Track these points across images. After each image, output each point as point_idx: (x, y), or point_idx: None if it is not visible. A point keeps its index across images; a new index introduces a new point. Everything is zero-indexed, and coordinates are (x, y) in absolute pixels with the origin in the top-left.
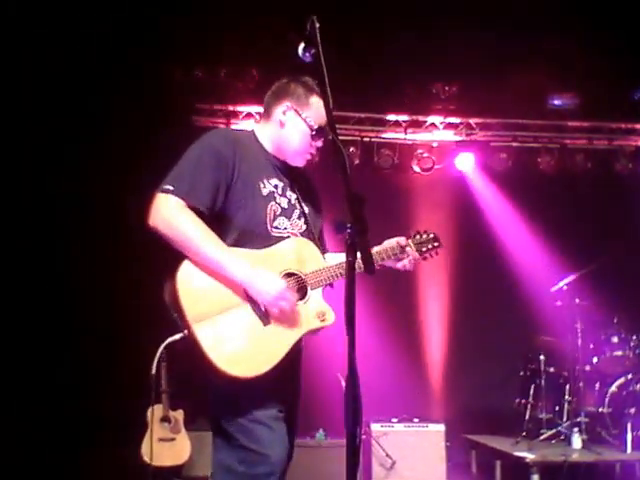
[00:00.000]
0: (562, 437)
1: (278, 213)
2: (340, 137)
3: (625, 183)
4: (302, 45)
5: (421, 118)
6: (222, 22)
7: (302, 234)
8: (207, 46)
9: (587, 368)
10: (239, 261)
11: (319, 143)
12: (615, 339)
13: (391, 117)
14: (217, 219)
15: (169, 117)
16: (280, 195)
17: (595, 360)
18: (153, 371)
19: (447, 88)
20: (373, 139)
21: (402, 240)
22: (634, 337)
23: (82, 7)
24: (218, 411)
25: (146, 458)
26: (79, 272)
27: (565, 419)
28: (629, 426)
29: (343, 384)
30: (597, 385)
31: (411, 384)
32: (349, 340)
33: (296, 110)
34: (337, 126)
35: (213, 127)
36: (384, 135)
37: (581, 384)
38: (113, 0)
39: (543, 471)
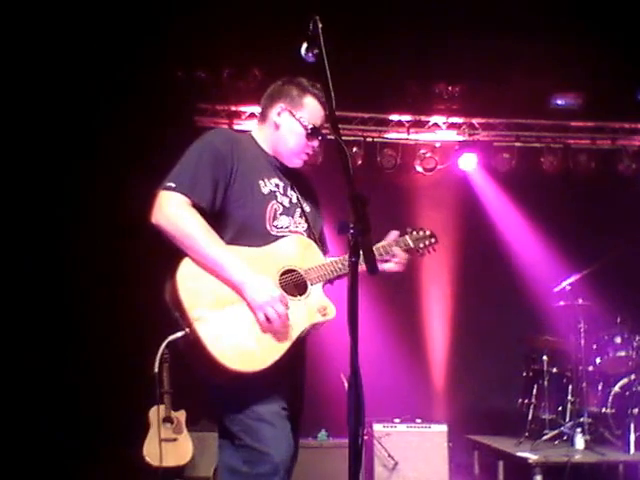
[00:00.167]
0: (565, 438)
1: (280, 212)
2: (343, 137)
3: (628, 183)
4: (305, 45)
5: (424, 118)
6: (225, 22)
7: (303, 233)
8: (210, 46)
9: (590, 368)
10: (237, 262)
11: (315, 143)
12: (618, 339)
13: (394, 117)
14: (216, 216)
15: (172, 117)
16: (282, 194)
17: (598, 360)
18: (155, 370)
19: (450, 88)
20: (376, 139)
21: (395, 234)
22: (637, 337)
23: (85, 7)
24: (221, 410)
25: (148, 459)
26: (82, 272)
27: (568, 419)
28: (632, 426)
29: (346, 384)
30: (600, 385)
31: (414, 384)
32: (352, 340)
33: (290, 111)
34: (340, 126)
35: (215, 127)
36: (387, 135)
37: (584, 384)
38: (116, 0)
39: (546, 472)
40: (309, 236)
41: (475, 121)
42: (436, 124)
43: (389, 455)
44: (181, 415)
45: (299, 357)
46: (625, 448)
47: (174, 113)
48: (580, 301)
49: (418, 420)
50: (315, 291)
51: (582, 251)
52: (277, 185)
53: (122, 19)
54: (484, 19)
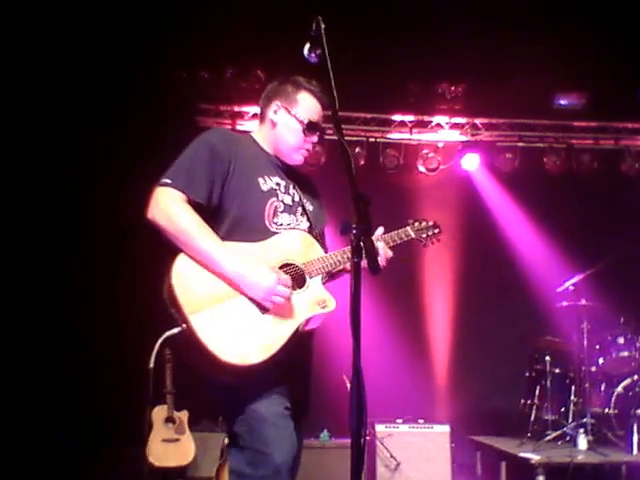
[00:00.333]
0: (568, 438)
1: (281, 210)
2: (346, 137)
3: (631, 183)
4: (307, 46)
5: (427, 118)
6: (227, 23)
7: (305, 230)
8: (212, 47)
9: (593, 369)
10: (230, 256)
11: (314, 138)
12: (621, 340)
13: (397, 117)
14: (214, 213)
15: (174, 118)
16: (283, 193)
17: (601, 361)
18: (151, 365)
19: (453, 88)
20: (379, 139)
21: (381, 229)
22: None
23: (88, 8)
24: (226, 412)
25: (151, 459)
26: (82, 272)
27: (571, 420)
28: (635, 427)
29: (348, 385)
30: (603, 386)
31: (416, 385)
32: (354, 341)
33: (286, 108)
34: (343, 126)
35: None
36: (390, 135)
37: (587, 385)
38: (120, 1)
39: (548, 472)
40: (309, 232)
41: (478, 121)
42: (439, 124)
43: (391, 456)
44: (183, 415)
45: (304, 356)
46: (628, 449)
47: (177, 113)
48: (583, 301)
49: (420, 420)
50: (314, 284)
51: (585, 251)
52: (278, 184)
53: (125, 20)
54: (487, 19)
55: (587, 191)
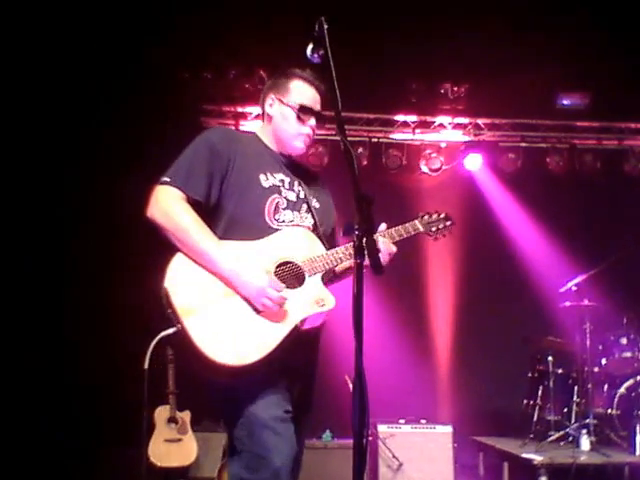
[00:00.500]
0: (570, 439)
1: (284, 206)
2: (348, 138)
3: (634, 183)
4: (310, 46)
5: (429, 118)
6: (230, 23)
7: (310, 228)
8: (215, 47)
9: (596, 369)
10: (225, 254)
11: (311, 122)
12: (624, 340)
13: (399, 117)
14: (213, 210)
15: (178, 118)
16: (287, 189)
17: (604, 361)
18: (145, 366)
19: (455, 88)
20: (381, 140)
21: (383, 226)
22: None
23: (91, 8)
24: (225, 416)
25: (153, 458)
26: (82, 272)
27: (573, 421)
28: (638, 428)
29: (350, 385)
30: (606, 387)
31: (418, 385)
32: (356, 341)
33: (279, 99)
34: (345, 127)
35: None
36: (392, 136)
37: (590, 386)
38: (123, 1)
39: (551, 473)
40: (314, 231)
41: (481, 121)
42: (441, 124)
43: (394, 456)
44: (186, 415)
45: (309, 356)
46: (631, 449)
47: (180, 114)
48: (586, 302)
49: (423, 421)
50: (313, 282)
51: (588, 251)
52: (282, 180)
53: (127, 20)
54: (489, 19)
55: (590, 191)
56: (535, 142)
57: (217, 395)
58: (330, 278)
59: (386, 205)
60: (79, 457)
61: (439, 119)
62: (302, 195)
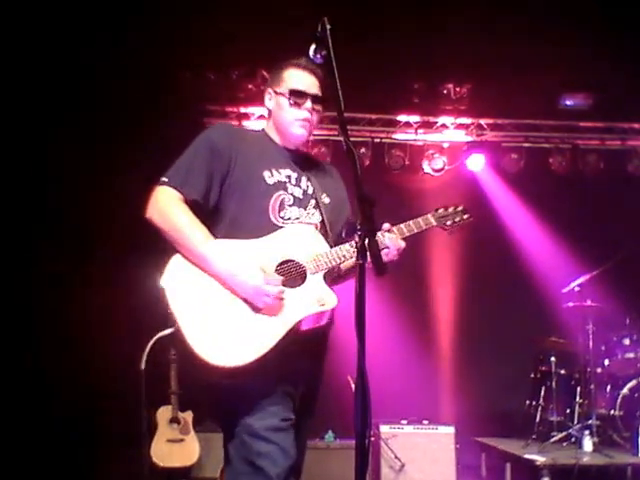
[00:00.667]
0: (573, 440)
1: (290, 203)
2: (351, 138)
3: (638, 183)
4: (313, 47)
5: (432, 119)
6: (233, 24)
7: (317, 224)
8: (218, 48)
9: (598, 370)
10: (222, 255)
11: (307, 104)
12: (627, 341)
13: (402, 118)
14: (214, 209)
15: (181, 119)
16: (294, 185)
17: (607, 362)
18: (142, 366)
19: (458, 89)
20: (384, 140)
21: (386, 226)
22: None
23: (94, 7)
24: (222, 424)
25: (155, 459)
26: (81, 269)
27: (576, 422)
28: None
29: (352, 386)
30: (608, 387)
31: (421, 386)
32: (359, 341)
33: (275, 91)
34: (348, 127)
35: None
36: (395, 136)
37: (592, 386)
38: (124, 2)
39: (554, 474)
40: (322, 228)
41: (483, 122)
42: (444, 125)
43: (396, 457)
44: (188, 416)
45: (312, 360)
46: (633, 450)
47: (183, 114)
48: (589, 302)
49: (425, 421)
50: (314, 281)
51: (591, 252)
52: (288, 176)
53: (130, 20)
54: (491, 19)
55: (593, 192)
56: (538, 142)
57: (215, 402)
58: (334, 278)
59: (389, 205)
60: (79, 457)
61: (441, 119)
62: (310, 191)
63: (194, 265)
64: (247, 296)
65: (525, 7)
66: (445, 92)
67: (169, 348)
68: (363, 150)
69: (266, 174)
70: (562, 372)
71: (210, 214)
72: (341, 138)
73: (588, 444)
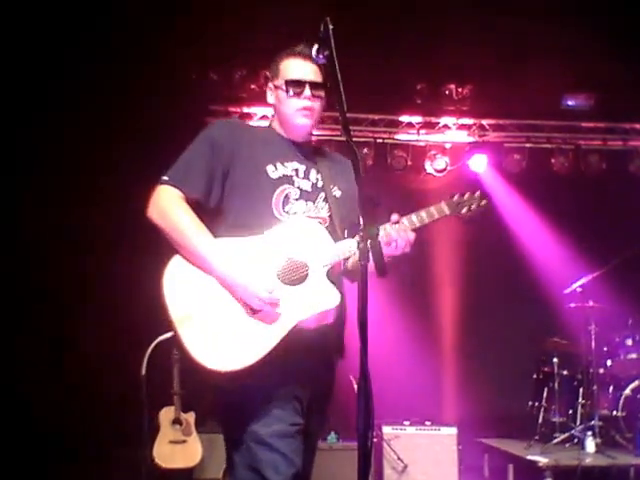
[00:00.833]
0: (575, 441)
1: (296, 197)
2: (353, 138)
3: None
4: (316, 47)
5: (434, 119)
6: (236, 24)
7: (326, 218)
8: (221, 48)
9: (601, 371)
10: (221, 255)
11: (306, 92)
12: (629, 342)
13: (404, 118)
14: (217, 207)
15: (184, 119)
16: (302, 178)
17: (609, 363)
18: (143, 372)
19: (460, 89)
20: (386, 140)
21: (395, 217)
22: None
23: (95, 8)
24: (225, 430)
25: (158, 460)
26: (82, 269)
27: (579, 423)
28: None
29: (355, 387)
30: (611, 388)
31: (423, 387)
32: (361, 342)
33: (274, 85)
34: (350, 127)
35: None
36: (397, 136)
37: (595, 387)
38: (126, 2)
39: (556, 475)
40: (330, 221)
41: (485, 122)
42: (446, 125)
43: (398, 458)
44: (190, 417)
45: (323, 359)
46: (636, 451)
47: (186, 115)
48: (591, 303)
49: (428, 422)
50: (316, 278)
51: (593, 253)
52: (295, 169)
53: (132, 20)
54: (494, 20)
55: (595, 192)
56: (540, 143)
57: (219, 407)
58: (342, 272)
59: (391, 206)
60: (79, 457)
61: (444, 120)
62: (320, 184)
63: (193, 266)
64: (244, 298)
65: (526, 8)
66: (447, 93)
67: (171, 349)
68: (366, 150)
69: (269, 168)
70: (564, 373)
71: (213, 211)
72: (344, 138)
73: (591, 445)
